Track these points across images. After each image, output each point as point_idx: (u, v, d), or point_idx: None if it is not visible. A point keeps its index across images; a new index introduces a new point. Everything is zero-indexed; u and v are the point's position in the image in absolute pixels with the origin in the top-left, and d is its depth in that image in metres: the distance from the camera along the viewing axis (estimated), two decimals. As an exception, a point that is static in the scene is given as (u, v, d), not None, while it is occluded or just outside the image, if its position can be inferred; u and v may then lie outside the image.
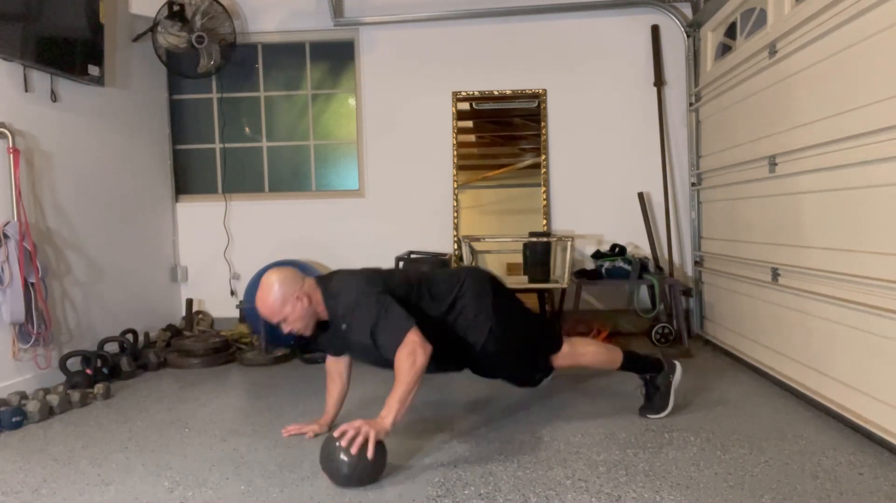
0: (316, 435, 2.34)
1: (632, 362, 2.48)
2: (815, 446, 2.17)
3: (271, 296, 2.08)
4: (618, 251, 3.98)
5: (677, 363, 2.52)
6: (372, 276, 2.20)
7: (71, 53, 3.37)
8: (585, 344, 2.46)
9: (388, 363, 2.04)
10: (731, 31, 3.61)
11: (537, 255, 3.67)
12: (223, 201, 4.50)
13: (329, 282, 2.19)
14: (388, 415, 1.93)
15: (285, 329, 2.13)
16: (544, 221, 4.29)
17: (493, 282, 2.35)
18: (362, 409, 2.69)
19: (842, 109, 2.31)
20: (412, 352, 1.96)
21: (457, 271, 2.39)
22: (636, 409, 2.54)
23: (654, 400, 2.49)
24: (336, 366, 2.40)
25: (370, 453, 1.86)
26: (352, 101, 4.51)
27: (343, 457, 1.87)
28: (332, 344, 2.33)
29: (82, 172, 3.54)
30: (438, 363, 2.11)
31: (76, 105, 3.50)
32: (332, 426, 2.41)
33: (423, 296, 2.23)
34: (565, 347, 2.38)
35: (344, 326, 2.13)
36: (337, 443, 1.89)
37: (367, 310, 2.05)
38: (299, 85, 4.54)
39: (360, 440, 1.87)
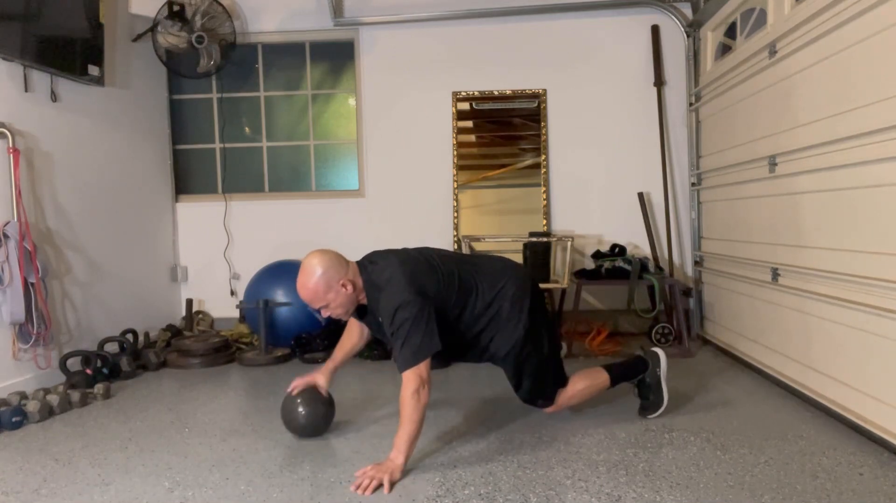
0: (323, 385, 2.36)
1: (619, 375, 2.48)
2: (815, 446, 2.17)
3: (313, 279, 2.03)
4: (618, 251, 3.98)
5: (658, 351, 2.49)
6: (415, 271, 2.11)
7: (71, 53, 3.37)
8: (572, 383, 2.41)
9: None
10: (731, 31, 3.61)
11: (537, 255, 3.66)
12: (223, 201, 4.50)
13: (373, 269, 2.12)
14: (399, 455, 1.95)
15: (324, 314, 2.11)
16: (544, 221, 4.29)
17: (534, 291, 2.32)
18: (365, 412, 2.68)
19: (842, 109, 2.31)
20: (416, 390, 1.96)
21: (504, 266, 2.33)
22: (636, 409, 2.54)
23: (649, 398, 2.49)
24: (356, 323, 2.39)
25: (386, 491, 1.88)
26: (352, 101, 4.51)
27: (300, 409, 2.29)
28: (368, 324, 2.32)
29: (82, 172, 3.54)
30: (451, 357, 2.11)
31: (76, 105, 3.50)
32: (335, 372, 2.41)
33: (464, 290, 2.18)
34: (569, 387, 2.39)
35: (381, 318, 2.10)
36: (297, 401, 2.29)
37: (406, 316, 2.00)
38: (299, 85, 4.54)
39: (374, 485, 1.88)
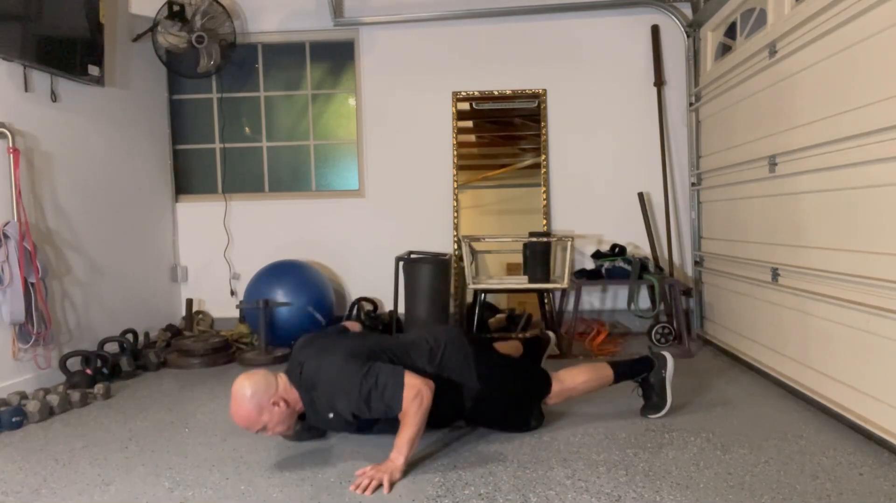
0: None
1: (624, 373, 2.48)
2: (815, 446, 2.17)
3: (245, 406, 1.98)
4: (618, 251, 3.98)
5: (666, 354, 2.50)
6: (345, 349, 2.11)
7: (71, 53, 3.37)
8: (573, 376, 2.42)
9: (382, 430, 2.07)
10: (731, 31, 3.61)
11: (537, 255, 3.66)
12: (223, 201, 4.50)
13: (303, 374, 2.09)
14: (399, 456, 1.96)
15: (267, 434, 2.07)
16: (544, 221, 4.29)
17: (471, 343, 2.32)
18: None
19: (842, 109, 2.31)
20: (417, 393, 1.97)
21: (431, 337, 2.30)
22: (636, 409, 2.54)
23: (652, 398, 2.49)
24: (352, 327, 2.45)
25: (386, 491, 1.88)
26: (352, 101, 4.51)
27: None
28: (315, 425, 2.27)
29: (82, 172, 3.54)
30: (436, 420, 2.12)
31: (76, 105, 3.50)
32: None
33: (402, 359, 2.17)
34: (555, 386, 2.38)
35: (331, 415, 2.09)
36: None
37: (355, 388, 1.99)
38: (299, 85, 4.54)
39: (374, 485, 1.88)
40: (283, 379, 2.09)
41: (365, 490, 1.87)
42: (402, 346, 2.25)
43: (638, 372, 2.50)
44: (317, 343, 2.19)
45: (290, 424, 2.10)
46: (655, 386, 2.48)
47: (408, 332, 2.48)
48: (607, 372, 2.45)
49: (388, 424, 2.09)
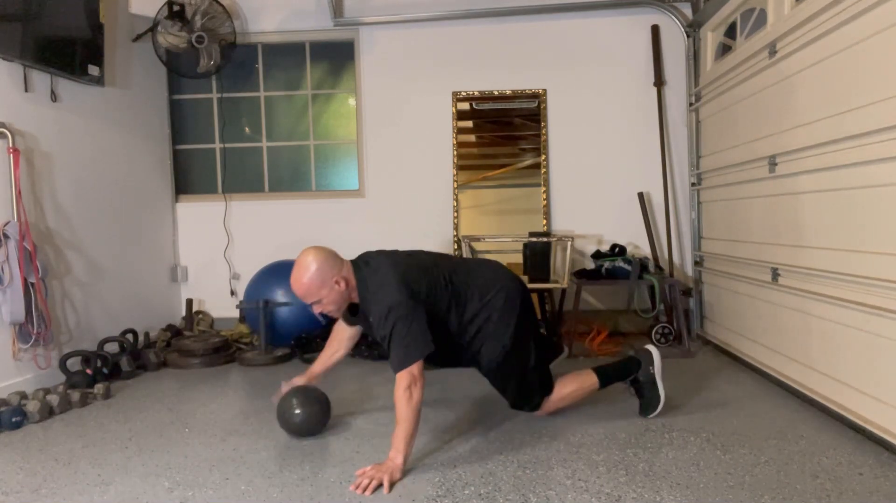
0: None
1: (608, 377, 2.48)
2: (815, 446, 2.17)
3: (308, 276, 2.05)
4: (618, 251, 3.98)
5: (651, 349, 2.49)
6: (407, 274, 2.12)
7: (71, 53, 3.37)
8: (560, 388, 2.41)
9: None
10: (731, 31, 3.61)
11: (537, 255, 3.66)
12: (223, 201, 4.50)
13: (366, 270, 2.14)
14: (398, 454, 1.96)
15: (316, 310, 2.14)
16: (544, 221, 4.29)
17: (524, 303, 2.33)
18: (365, 413, 2.68)
19: (842, 109, 2.31)
20: (408, 387, 1.97)
21: (495, 277, 2.32)
22: (636, 409, 2.54)
23: (646, 397, 2.48)
24: (342, 333, 2.44)
25: (386, 491, 1.88)
26: (352, 101, 4.51)
27: (296, 409, 2.27)
28: (353, 322, 2.36)
29: (82, 172, 3.54)
30: (444, 362, 2.13)
31: (76, 105, 3.50)
32: (317, 379, 2.51)
33: (453, 296, 2.20)
34: (555, 393, 2.40)
35: (372, 319, 2.11)
36: (293, 400, 2.29)
37: (397, 317, 2.02)
38: (299, 85, 4.54)
39: (374, 485, 1.88)
40: (348, 264, 2.15)
41: (365, 490, 1.87)
42: (466, 270, 2.29)
43: (625, 374, 2.49)
44: (387, 254, 2.24)
45: (341, 307, 2.15)
46: (647, 383, 2.47)
47: (484, 261, 2.49)
48: (591, 379, 2.45)
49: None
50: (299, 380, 2.47)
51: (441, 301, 2.17)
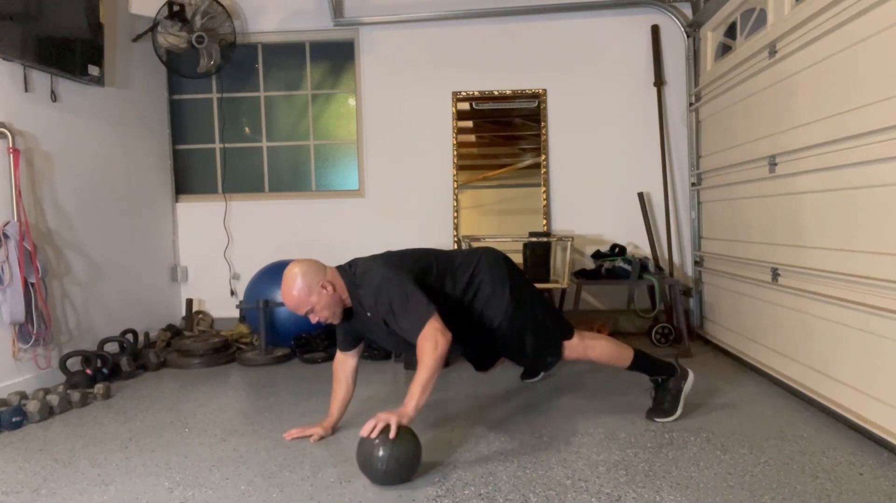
0: (321, 438, 2.33)
1: (642, 362, 2.47)
2: (815, 446, 2.17)
3: (295, 287, 2.10)
4: (618, 251, 3.98)
5: (690, 371, 2.51)
6: (390, 259, 2.24)
7: (71, 53, 3.37)
8: (595, 337, 2.46)
9: (410, 346, 2.09)
10: (731, 31, 3.61)
11: (537, 255, 3.66)
12: (223, 201, 4.50)
13: (350, 270, 2.23)
14: (410, 401, 1.96)
15: (313, 319, 2.17)
16: (544, 221, 4.29)
17: (507, 261, 2.40)
18: (367, 412, 2.68)
19: (842, 109, 2.31)
20: (433, 338, 1.99)
21: (473, 250, 2.44)
22: (636, 409, 2.54)
23: (663, 403, 2.46)
24: (342, 368, 2.40)
25: (392, 433, 1.87)
26: (352, 101, 4.51)
27: (377, 452, 1.88)
28: (352, 332, 2.35)
29: (82, 172, 3.54)
30: (459, 342, 2.15)
31: (76, 105, 3.50)
32: (335, 429, 2.41)
33: (442, 273, 2.28)
34: (576, 338, 2.39)
35: (369, 314, 2.16)
36: (371, 441, 1.90)
37: (391, 294, 2.08)
38: (299, 85, 4.54)
39: (381, 426, 1.89)
40: (332, 269, 2.21)
41: (371, 432, 1.89)
42: (444, 254, 2.38)
43: (658, 371, 2.48)
44: (365, 257, 2.32)
45: (335, 312, 2.18)
46: (672, 392, 2.46)
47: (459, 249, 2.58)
48: (628, 352, 2.44)
49: (409, 349, 2.14)
50: (316, 430, 2.35)
51: (430, 275, 2.24)
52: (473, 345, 2.54)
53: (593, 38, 4.28)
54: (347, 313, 2.25)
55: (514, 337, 2.33)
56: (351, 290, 2.19)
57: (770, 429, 2.35)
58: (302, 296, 2.10)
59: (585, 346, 2.40)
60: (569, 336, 2.39)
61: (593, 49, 4.28)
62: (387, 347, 2.33)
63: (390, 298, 2.08)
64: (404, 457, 1.90)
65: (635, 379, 2.57)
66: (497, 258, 2.39)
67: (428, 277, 2.23)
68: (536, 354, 2.39)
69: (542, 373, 3.12)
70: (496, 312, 2.29)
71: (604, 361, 2.45)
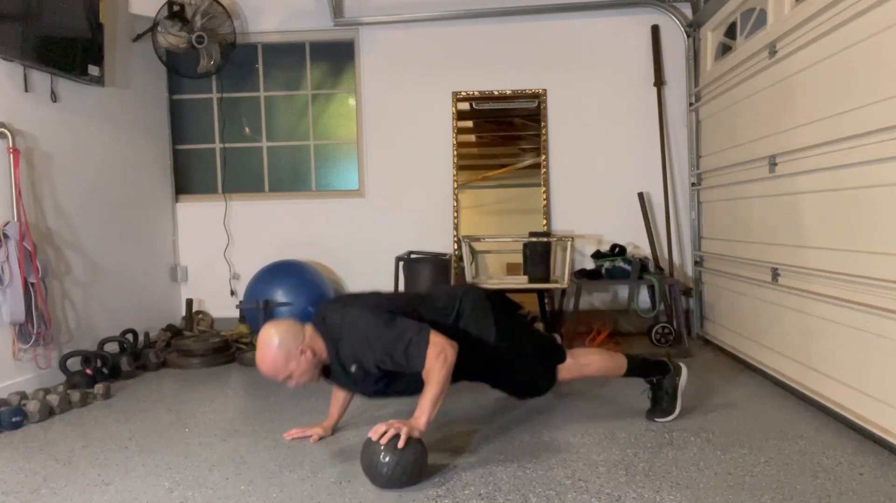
0: (321, 438, 2.33)
1: (636, 367, 2.46)
2: (815, 446, 2.17)
3: (272, 353, 1.98)
4: (618, 251, 3.98)
5: (682, 365, 2.51)
6: (366, 301, 2.14)
7: (71, 53, 3.37)
8: (588, 354, 2.43)
9: (401, 391, 2.04)
10: (731, 31, 3.61)
11: (537, 255, 3.66)
12: (223, 201, 4.50)
13: (328, 324, 2.09)
14: (422, 415, 1.94)
15: (291, 385, 2.06)
16: (544, 221, 4.29)
17: (490, 298, 2.34)
18: (366, 412, 2.68)
19: (842, 109, 2.31)
20: (440, 351, 1.96)
21: (453, 290, 2.36)
22: (636, 410, 2.54)
23: (661, 403, 2.47)
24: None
25: (401, 444, 1.86)
26: (352, 101, 4.51)
27: (384, 457, 1.87)
28: (338, 382, 2.26)
29: (82, 172, 3.54)
30: (456, 374, 2.11)
31: (76, 105, 3.50)
32: (335, 429, 2.41)
33: (423, 316, 2.17)
34: (569, 359, 2.37)
35: (353, 367, 2.06)
36: (378, 445, 1.88)
37: (379, 338, 2.00)
38: (299, 85, 4.54)
39: (391, 433, 1.86)
40: (309, 328, 2.08)
41: (382, 436, 1.86)
42: (422, 298, 2.30)
43: (653, 372, 2.48)
44: (340, 299, 2.23)
45: (314, 375, 2.07)
46: (668, 391, 2.46)
47: (435, 287, 2.51)
48: (621, 362, 2.43)
49: (407, 385, 2.08)
50: (316, 431, 2.35)
51: (415, 316, 2.14)
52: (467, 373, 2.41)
53: (593, 38, 4.28)
54: (325, 370, 2.14)
55: (506, 372, 2.31)
56: (331, 346, 2.06)
57: (770, 429, 2.35)
58: (279, 364, 1.98)
59: (580, 366, 2.38)
60: (561, 360, 2.36)
61: (593, 49, 4.28)
62: (371, 397, 2.25)
63: (382, 339, 1.99)
64: (411, 466, 1.89)
65: (634, 379, 2.56)
66: (479, 297, 2.31)
67: (413, 316, 2.14)
68: (531, 385, 2.37)
69: None
70: (483, 351, 2.24)
71: (600, 375, 2.44)
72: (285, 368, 2.00)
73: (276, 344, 1.98)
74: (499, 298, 2.36)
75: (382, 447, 1.87)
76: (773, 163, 2.86)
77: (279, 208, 4.49)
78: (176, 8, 3.95)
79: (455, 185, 4.35)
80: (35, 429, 2.57)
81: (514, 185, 4.38)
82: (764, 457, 2.09)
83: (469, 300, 2.27)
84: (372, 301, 2.17)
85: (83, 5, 3.42)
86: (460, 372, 2.20)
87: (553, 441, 2.28)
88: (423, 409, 1.95)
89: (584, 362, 2.38)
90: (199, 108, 4.56)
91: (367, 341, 2.01)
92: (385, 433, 1.87)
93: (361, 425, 2.49)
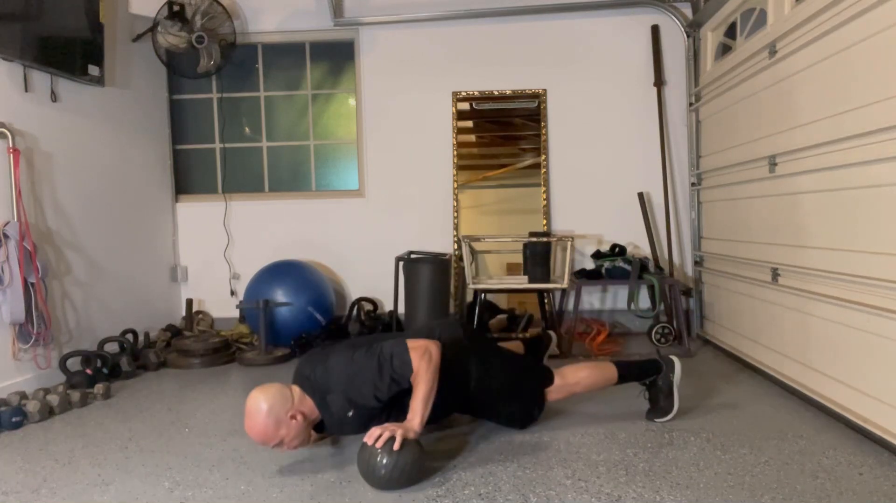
0: (321, 438, 2.33)
1: (628, 373, 2.46)
2: (815, 446, 2.17)
3: (261, 420, 1.93)
4: (618, 251, 3.98)
5: (674, 359, 2.48)
6: (342, 346, 2.13)
7: (71, 53, 3.37)
8: (576, 371, 2.43)
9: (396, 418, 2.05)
10: (731, 31, 3.61)
11: (537, 255, 3.66)
12: (223, 201, 4.50)
13: (314, 380, 2.06)
14: (415, 416, 1.95)
15: (282, 450, 2.04)
16: (544, 221, 4.29)
17: (465, 328, 2.37)
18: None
19: (842, 109, 2.31)
20: (424, 351, 1.99)
21: (427, 324, 2.40)
22: (636, 410, 2.54)
23: (659, 402, 2.46)
24: None
25: (396, 446, 1.86)
26: (352, 101, 4.51)
27: (381, 460, 1.86)
28: (338, 432, 2.23)
29: (82, 172, 3.54)
30: (441, 408, 2.11)
31: (76, 105, 3.50)
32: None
33: None
34: (557, 380, 2.38)
35: (351, 413, 2.05)
36: (374, 448, 1.88)
37: (366, 369, 2.01)
38: (299, 85, 4.54)
39: (386, 436, 1.86)
40: (296, 390, 2.04)
41: (377, 441, 1.86)
42: (398, 336, 2.25)
43: (645, 374, 2.47)
44: (314, 355, 2.16)
45: (306, 437, 2.05)
46: (664, 389, 2.45)
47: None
48: (611, 371, 2.44)
49: (403, 411, 2.05)
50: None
51: None
52: (452, 408, 2.40)
53: (593, 38, 4.28)
54: (319, 426, 2.12)
55: (490, 404, 2.33)
56: (321, 403, 2.04)
57: (770, 429, 2.35)
58: (269, 431, 1.94)
59: (569, 386, 2.40)
60: (549, 383, 2.37)
61: (593, 49, 4.28)
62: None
63: (369, 370, 1.99)
64: (409, 466, 1.89)
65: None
66: (454, 327, 2.34)
67: None
68: (520, 413, 2.38)
69: None
70: (464, 385, 2.25)
71: (593, 389, 2.45)
72: (276, 435, 1.96)
73: (264, 411, 1.94)
74: (471, 327, 2.42)
75: (379, 450, 1.86)
76: (773, 163, 2.86)
77: (279, 208, 4.49)
78: (176, 8, 3.95)
79: (455, 185, 4.35)
80: (35, 429, 2.57)
81: (514, 185, 4.38)
82: (764, 457, 2.09)
83: (446, 326, 2.32)
84: (347, 345, 2.14)
85: (83, 5, 3.43)
86: (445, 405, 2.20)
87: (553, 441, 2.28)
88: (416, 411, 1.96)
89: (572, 381, 2.40)
90: (199, 108, 4.57)
91: (356, 379, 2.01)
92: (380, 437, 1.86)
93: (361, 425, 2.49)
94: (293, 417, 1.97)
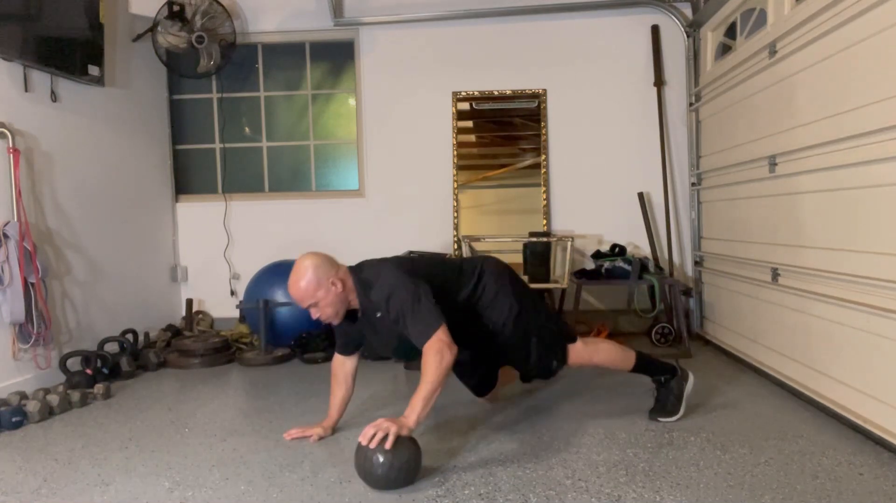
0: (321, 438, 2.33)
1: (644, 364, 2.47)
2: (815, 446, 2.17)
3: (304, 278, 2.06)
4: (618, 251, 3.98)
5: (691, 373, 2.51)
6: (401, 264, 2.22)
7: (71, 53, 3.37)
8: (599, 342, 2.46)
9: (408, 355, 2.07)
10: (731, 31, 3.61)
11: (537, 255, 3.66)
12: (223, 201, 4.50)
13: (361, 270, 2.19)
14: (412, 413, 1.93)
15: (314, 314, 2.13)
16: (544, 221, 4.29)
17: (508, 269, 2.42)
18: (366, 412, 2.69)
19: (842, 109, 2.31)
20: (439, 351, 1.98)
21: (476, 257, 2.44)
22: (636, 409, 2.54)
23: (666, 403, 2.46)
24: (342, 368, 2.39)
25: (388, 444, 1.84)
26: (352, 101, 4.51)
27: (377, 458, 1.86)
28: (354, 336, 2.33)
29: (82, 172, 3.54)
30: (463, 350, 2.15)
31: (76, 105, 3.50)
32: (335, 429, 2.41)
33: (448, 277, 2.27)
34: (580, 343, 2.39)
35: (378, 314, 2.13)
36: (374, 447, 1.86)
37: (402, 299, 2.05)
38: (299, 85, 4.54)
39: (380, 434, 1.85)
40: (344, 268, 2.18)
41: (370, 441, 1.85)
42: (451, 261, 2.44)
43: (660, 372, 2.48)
44: (374, 260, 2.29)
45: (339, 311, 2.14)
46: (674, 392, 2.46)
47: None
48: (630, 356, 2.44)
49: (406, 356, 2.11)
50: (316, 431, 2.35)
51: (437, 278, 2.21)
52: (476, 361, 2.50)
53: (593, 38, 4.28)
54: (351, 315, 2.22)
55: (518, 340, 2.31)
56: (361, 291, 2.14)
57: (770, 429, 2.35)
58: (309, 288, 2.07)
59: (590, 351, 2.40)
60: (572, 340, 2.38)
61: (593, 49, 4.29)
62: (384, 353, 2.30)
63: (401, 302, 2.05)
64: (406, 464, 1.88)
65: (635, 379, 2.57)
66: (499, 264, 2.40)
67: (435, 279, 2.21)
68: (542, 358, 2.35)
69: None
70: (500, 314, 2.28)
71: (608, 365, 2.45)
72: (314, 294, 2.07)
73: (310, 269, 2.07)
74: (513, 271, 2.44)
75: (373, 448, 1.85)
76: (773, 163, 2.86)
77: (279, 208, 4.49)
78: (176, 8, 3.96)
79: (455, 185, 4.35)
80: (35, 429, 2.57)
81: (514, 185, 4.38)
82: (764, 457, 2.09)
83: (490, 262, 2.38)
84: (407, 263, 2.26)
85: (83, 5, 3.43)
86: (473, 336, 2.28)
87: (553, 441, 2.28)
88: (415, 408, 1.94)
89: (594, 348, 2.41)
90: (199, 108, 4.56)
91: (392, 296, 2.07)
92: (374, 436, 1.85)
93: (361, 425, 2.47)
94: (333, 283, 2.08)
